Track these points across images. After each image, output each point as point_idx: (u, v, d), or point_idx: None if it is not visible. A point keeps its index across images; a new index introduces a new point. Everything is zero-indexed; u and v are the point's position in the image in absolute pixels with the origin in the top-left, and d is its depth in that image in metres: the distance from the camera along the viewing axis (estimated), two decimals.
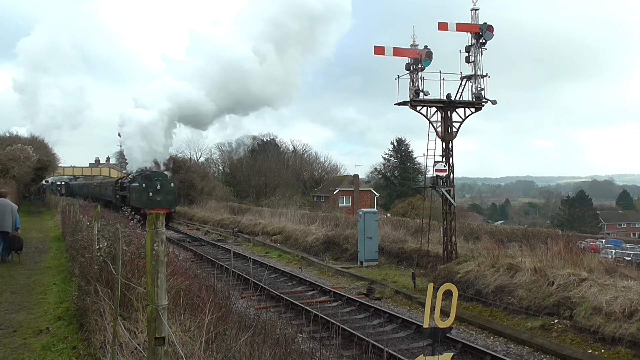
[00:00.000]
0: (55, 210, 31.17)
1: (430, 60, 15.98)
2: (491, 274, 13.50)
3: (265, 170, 68.68)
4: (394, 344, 10.71)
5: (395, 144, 79.33)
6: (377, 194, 68.59)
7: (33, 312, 8.46)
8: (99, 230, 8.70)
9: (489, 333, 11.78)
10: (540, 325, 11.30)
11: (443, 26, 15.81)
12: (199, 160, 71.83)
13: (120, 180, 43.91)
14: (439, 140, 16.50)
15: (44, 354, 6.35)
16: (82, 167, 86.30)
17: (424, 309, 4.47)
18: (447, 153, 16.54)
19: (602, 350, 9.93)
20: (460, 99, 16.38)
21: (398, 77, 16.36)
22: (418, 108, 16.33)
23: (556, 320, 11.23)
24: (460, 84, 16.36)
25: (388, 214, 47.31)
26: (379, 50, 15.89)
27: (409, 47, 16.17)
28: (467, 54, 16.26)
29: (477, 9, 16.19)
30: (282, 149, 79.41)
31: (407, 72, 16.22)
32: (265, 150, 74.77)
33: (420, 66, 16.03)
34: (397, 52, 16.07)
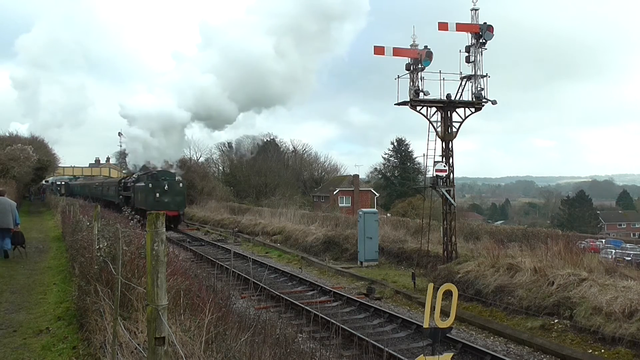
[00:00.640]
0: (55, 210, 31.17)
1: (430, 60, 15.98)
2: (491, 274, 13.50)
3: (265, 170, 68.67)
4: (394, 344, 10.71)
5: (395, 144, 79.37)
6: (377, 194, 68.57)
7: (33, 312, 8.45)
8: (99, 230, 8.70)
9: (489, 333, 11.78)
10: (540, 325, 11.30)
11: (443, 26, 15.81)
12: (199, 160, 71.81)
13: (123, 180, 41.80)
14: (439, 140, 16.51)
15: (44, 354, 6.35)
16: (82, 167, 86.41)
17: (424, 309, 4.47)
18: (447, 153, 16.54)
19: (602, 350, 9.93)
20: (460, 99, 16.38)
21: (398, 77, 16.38)
22: (418, 108, 16.33)
23: (556, 320, 11.23)
24: (460, 84, 16.37)
25: (388, 214, 47.31)
26: (378, 50, 15.89)
27: (409, 47, 16.18)
28: (467, 54, 16.27)
29: (477, 9, 16.19)
30: (282, 149, 79.40)
31: (407, 72, 16.23)
32: (265, 150, 74.75)
33: (420, 66, 16.03)
34: (397, 52, 16.06)
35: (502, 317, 12.31)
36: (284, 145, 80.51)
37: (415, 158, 75.37)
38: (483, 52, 16.25)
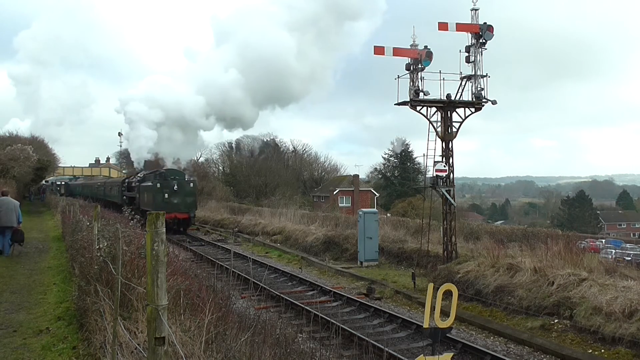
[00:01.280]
0: (55, 210, 31.15)
1: (430, 60, 15.99)
2: (491, 274, 13.50)
3: (265, 170, 68.65)
4: (394, 344, 10.72)
5: (395, 143, 79.37)
6: (377, 194, 68.56)
7: (33, 312, 8.45)
8: (99, 230, 8.70)
9: (489, 333, 11.78)
10: (540, 325, 11.30)
11: (443, 26, 15.81)
12: (199, 160, 71.79)
13: (127, 180, 39.38)
14: (439, 140, 16.51)
15: (44, 354, 6.35)
16: (82, 167, 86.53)
17: (424, 309, 4.47)
18: (447, 153, 16.54)
19: (602, 350, 9.93)
20: (460, 99, 16.38)
21: (398, 77, 16.38)
22: (418, 108, 16.33)
23: (556, 320, 11.24)
24: (460, 84, 16.37)
25: (388, 214, 47.30)
26: (379, 50, 15.89)
27: (409, 47, 16.18)
28: (467, 54, 16.27)
29: (477, 9, 16.19)
30: (282, 149, 79.40)
31: (407, 72, 16.23)
32: (265, 150, 74.77)
33: (420, 66, 16.03)
34: (397, 52, 16.06)
35: (502, 317, 12.31)
36: (284, 145, 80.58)
37: (415, 158, 75.41)
38: (483, 52, 16.27)
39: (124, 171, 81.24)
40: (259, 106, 36.32)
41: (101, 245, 7.27)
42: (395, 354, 9.57)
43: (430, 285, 4.39)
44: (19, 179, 33.10)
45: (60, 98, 53.39)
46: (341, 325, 10.81)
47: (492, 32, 16.09)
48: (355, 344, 10.00)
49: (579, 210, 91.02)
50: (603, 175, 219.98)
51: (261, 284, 14.84)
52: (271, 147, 75.82)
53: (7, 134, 39.59)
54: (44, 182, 58.39)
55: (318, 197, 68.52)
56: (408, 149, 77.57)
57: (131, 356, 4.80)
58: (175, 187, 31.04)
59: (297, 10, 33.20)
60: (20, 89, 60.14)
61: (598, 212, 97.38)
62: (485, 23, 16.09)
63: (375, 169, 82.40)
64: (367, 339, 10.33)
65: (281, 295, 14.48)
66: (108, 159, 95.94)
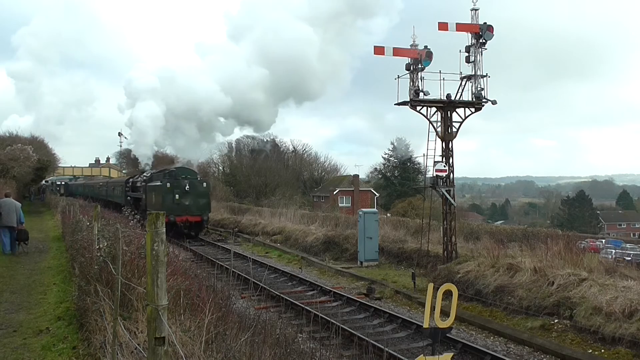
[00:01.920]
0: (55, 210, 31.14)
1: (430, 60, 15.98)
2: (491, 274, 13.50)
3: (265, 171, 68.62)
4: (394, 344, 10.72)
5: (395, 143, 79.35)
6: (377, 194, 68.53)
7: (33, 312, 8.46)
8: (99, 230, 8.70)
9: (489, 333, 11.78)
10: (540, 325, 11.30)
11: (443, 26, 15.80)
12: (199, 160, 71.74)
13: (131, 179, 36.88)
14: (439, 140, 16.50)
15: (44, 354, 6.35)
16: (82, 167, 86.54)
17: (424, 309, 4.47)
18: (447, 153, 16.54)
19: (602, 350, 9.93)
20: (460, 99, 16.37)
21: (398, 77, 16.38)
22: (418, 108, 16.32)
23: (556, 320, 11.23)
24: (460, 84, 16.36)
25: (388, 214, 47.26)
26: (379, 50, 15.88)
27: (409, 47, 16.17)
28: (467, 54, 16.26)
29: (477, 9, 16.19)
30: (282, 149, 79.38)
31: (407, 72, 16.23)
32: (265, 150, 74.73)
33: (420, 66, 16.03)
34: (397, 52, 16.05)
35: (502, 317, 12.31)
36: (284, 145, 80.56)
37: (415, 158, 75.36)
38: (483, 52, 16.26)
39: (124, 171, 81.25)
40: (277, 104, 34.78)
41: (101, 245, 7.28)
42: (395, 354, 9.57)
43: (430, 285, 4.39)
44: (19, 179, 33.13)
45: (61, 94, 53.44)
46: (341, 325, 10.80)
47: (492, 32, 16.09)
48: (355, 344, 10.00)
49: (579, 210, 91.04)
50: (603, 175, 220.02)
51: (261, 284, 14.84)
52: (271, 147, 75.80)
53: (7, 134, 39.65)
54: (43, 182, 58.39)
55: (318, 197, 68.50)
56: (412, 155, 77.25)
57: (131, 356, 4.80)
58: (187, 187, 28.77)
59: (314, 8, 31.78)
60: (20, 86, 60.09)
61: (598, 212, 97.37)
62: (485, 23, 16.08)
63: (375, 169, 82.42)
64: (367, 339, 10.33)
65: (281, 295, 14.48)
66: (108, 159, 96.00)
